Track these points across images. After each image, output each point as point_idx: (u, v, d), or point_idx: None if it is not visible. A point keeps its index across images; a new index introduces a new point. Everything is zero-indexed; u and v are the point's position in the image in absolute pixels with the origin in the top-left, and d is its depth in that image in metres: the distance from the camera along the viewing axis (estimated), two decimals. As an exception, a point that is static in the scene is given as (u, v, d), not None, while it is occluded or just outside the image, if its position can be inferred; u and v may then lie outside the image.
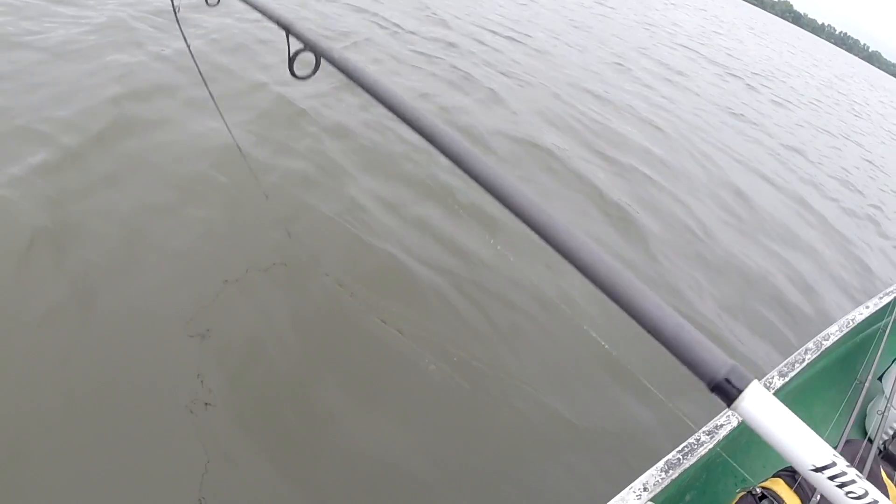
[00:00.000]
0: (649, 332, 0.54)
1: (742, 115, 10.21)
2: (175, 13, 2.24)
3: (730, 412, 1.79)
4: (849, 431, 1.77)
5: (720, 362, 0.50)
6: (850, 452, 1.71)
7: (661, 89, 9.52)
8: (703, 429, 1.72)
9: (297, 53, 1.03)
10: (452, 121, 5.07)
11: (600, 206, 4.57)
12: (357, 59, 0.94)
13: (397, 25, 7.28)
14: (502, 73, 7.20)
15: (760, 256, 4.97)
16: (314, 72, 1.04)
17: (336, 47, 0.96)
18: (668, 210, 5.03)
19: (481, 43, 8.13)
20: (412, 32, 7.27)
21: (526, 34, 9.78)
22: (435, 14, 8.66)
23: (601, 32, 12.95)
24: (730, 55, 17.98)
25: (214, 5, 1.70)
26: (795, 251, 5.40)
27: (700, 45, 17.42)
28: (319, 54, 0.99)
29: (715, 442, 1.67)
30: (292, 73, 1.05)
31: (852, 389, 2.35)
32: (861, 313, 2.74)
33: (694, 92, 10.39)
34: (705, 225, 5.05)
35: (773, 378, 2.03)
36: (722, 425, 1.74)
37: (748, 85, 13.81)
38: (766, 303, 4.25)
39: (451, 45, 7.49)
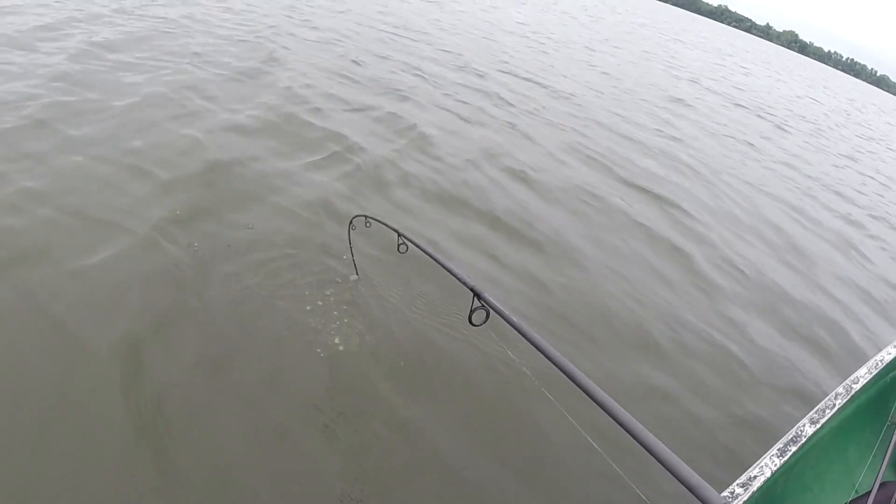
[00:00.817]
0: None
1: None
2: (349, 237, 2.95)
3: (763, 462, 1.82)
4: (883, 473, 1.78)
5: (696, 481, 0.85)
6: (886, 494, 1.72)
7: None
8: (738, 481, 1.73)
9: (475, 309, 1.38)
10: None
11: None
12: (521, 319, 1.29)
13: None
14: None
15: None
16: (485, 321, 1.39)
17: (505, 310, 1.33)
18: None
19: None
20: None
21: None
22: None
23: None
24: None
25: (404, 252, 2.01)
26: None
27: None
28: (490, 310, 1.37)
29: (749, 494, 1.69)
30: (470, 322, 1.38)
31: (885, 431, 2.35)
32: (890, 353, 2.74)
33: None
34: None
35: (804, 426, 2.05)
36: (755, 476, 1.76)
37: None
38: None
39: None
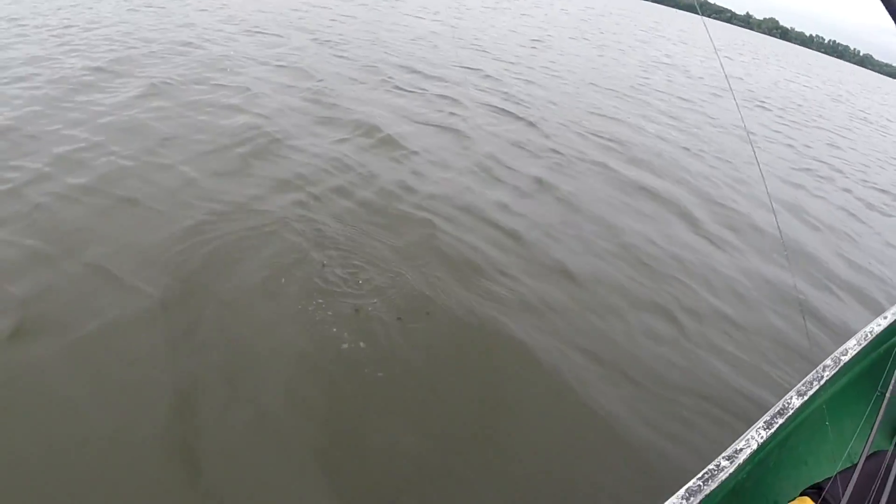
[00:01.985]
0: None
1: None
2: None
3: (749, 435, 1.84)
4: (871, 443, 1.78)
5: None
6: (876, 463, 1.71)
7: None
8: (724, 454, 1.74)
9: None
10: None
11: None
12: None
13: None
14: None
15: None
16: None
17: None
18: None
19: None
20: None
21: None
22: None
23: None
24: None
25: None
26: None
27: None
28: None
29: (736, 466, 1.70)
30: None
31: (874, 400, 2.35)
32: (879, 324, 2.74)
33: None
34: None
35: (791, 398, 2.06)
36: (742, 449, 1.77)
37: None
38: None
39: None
